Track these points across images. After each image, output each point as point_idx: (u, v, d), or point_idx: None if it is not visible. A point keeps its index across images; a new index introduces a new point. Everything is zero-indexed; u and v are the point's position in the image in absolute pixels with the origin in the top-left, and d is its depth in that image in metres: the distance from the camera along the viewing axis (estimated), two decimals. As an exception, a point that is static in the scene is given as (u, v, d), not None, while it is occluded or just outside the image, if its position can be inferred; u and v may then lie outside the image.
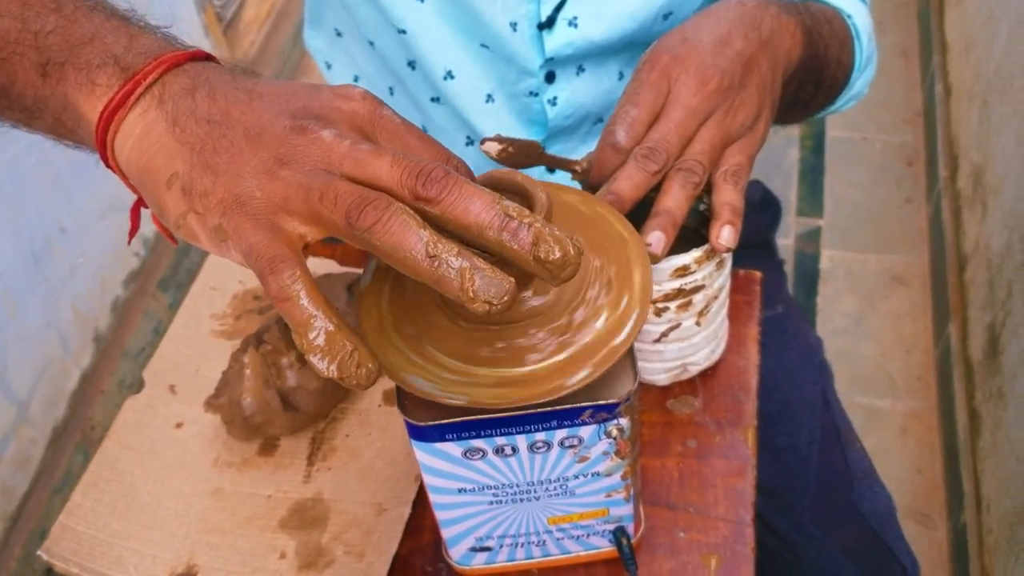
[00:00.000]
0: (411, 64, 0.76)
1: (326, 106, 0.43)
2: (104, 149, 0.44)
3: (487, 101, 0.76)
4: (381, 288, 0.49)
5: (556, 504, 0.55)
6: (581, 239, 0.42)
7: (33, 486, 1.42)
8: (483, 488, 0.53)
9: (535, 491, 0.54)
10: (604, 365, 0.46)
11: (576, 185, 0.63)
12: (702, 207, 0.61)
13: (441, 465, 0.51)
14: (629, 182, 0.56)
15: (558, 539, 0.59)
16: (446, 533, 0.58)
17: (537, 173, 0.75)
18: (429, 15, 0.72)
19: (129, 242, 0.46)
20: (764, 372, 0.72)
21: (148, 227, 1.06)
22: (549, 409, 0.48)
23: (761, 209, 1.00)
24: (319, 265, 0.81)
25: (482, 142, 0.61)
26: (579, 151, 0.80)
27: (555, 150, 0.80)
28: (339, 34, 0.82)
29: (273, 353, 0.69)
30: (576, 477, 0.53)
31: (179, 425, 0.73)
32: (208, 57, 0.46)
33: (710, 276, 0.62)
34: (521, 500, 0.55)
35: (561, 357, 0.46)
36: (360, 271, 0.78)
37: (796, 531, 0.82)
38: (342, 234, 0.39)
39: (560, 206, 0.52)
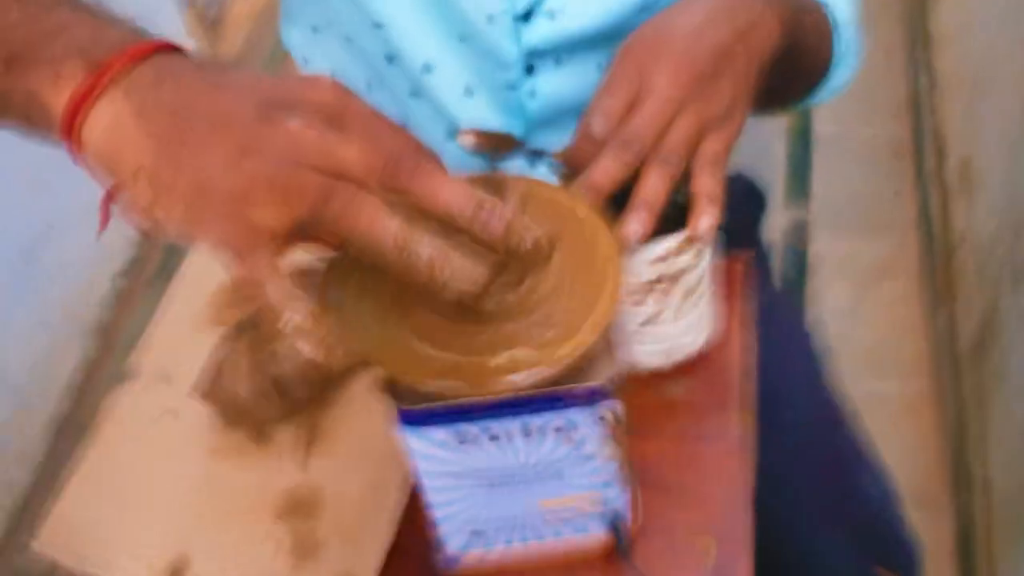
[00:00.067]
0: (389, 58, 0.76)
1: (294, 95, 0.42)
2: (71, 141, 0.44)
3: (466, 94, 0.76)
4: (360, 271, 0.49)
5: (548, 488, 0.56)
6: (555, 230, 0.43)
7: (34, 480, 1.43)
8: (473, 472, 0.54)
9: (526, 475, 0.54)
10: (581, 348, 0.47)
11: (554, 177, 0.63)
12: (680, 196, 0.61)
13: (431, 450, 0.52)
14: (605, 173, 0.56)
15: (551, 524, 0.59)
16: (437, 520, 0.58)
17: (518, 166, 0.76)
18: (405, 8, 0.72)
19: (98, 235, 0.46)
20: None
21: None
22: (536, 394, 0.49)
23: (746, 202, 1.00)
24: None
25: (457, 135, 0.61)
26: (562, 144, 0.80)
27: (537, 143, 0.79)
28: (315, 30, 0.82)
29: (265, 339, 0.69)
30: (568, 460, 0.54)
31: (171, 413, 0.72)
32: (176, 49, 0.46)
33: (690, 262, 0.62)
34: (512, 484, 0.55)
35: (542, 341, 0.48)
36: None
37: (794, 513, 0.81)
38: (309, 224, 0.39)
39: (535, 199, 0.52)
